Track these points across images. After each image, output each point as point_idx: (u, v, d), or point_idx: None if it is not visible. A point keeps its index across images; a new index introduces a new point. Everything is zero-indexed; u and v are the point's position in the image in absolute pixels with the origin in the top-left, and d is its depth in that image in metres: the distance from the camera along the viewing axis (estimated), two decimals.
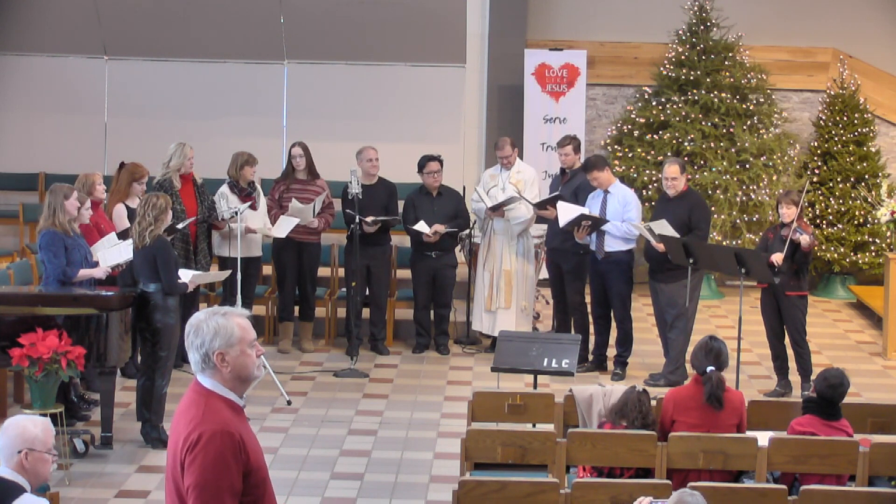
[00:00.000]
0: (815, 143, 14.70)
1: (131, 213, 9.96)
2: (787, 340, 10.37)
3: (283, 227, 11.10)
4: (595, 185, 10.84)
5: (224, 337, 4.10)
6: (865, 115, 14.54)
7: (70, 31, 13.90)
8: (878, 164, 14.52)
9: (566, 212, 10.77)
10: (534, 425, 7.78)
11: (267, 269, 12.35)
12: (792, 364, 10.37)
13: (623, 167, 13.93)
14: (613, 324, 11.01)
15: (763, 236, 10.68)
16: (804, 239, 9.99)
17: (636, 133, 14.26)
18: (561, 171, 11.45)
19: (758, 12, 14.69)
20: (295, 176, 11.41)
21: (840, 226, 14.32)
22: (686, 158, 13.60)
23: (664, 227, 10.31)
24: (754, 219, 14.09)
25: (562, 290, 11.30)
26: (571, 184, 11.16)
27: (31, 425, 4.92)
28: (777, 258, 10.00)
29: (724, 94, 14.02)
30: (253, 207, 10.95)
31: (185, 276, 9.03)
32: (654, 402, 7.37)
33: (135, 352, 9.31)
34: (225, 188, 11.06)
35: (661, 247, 10.34)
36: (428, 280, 11.56)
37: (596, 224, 10.72)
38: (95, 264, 9.14)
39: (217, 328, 4.10)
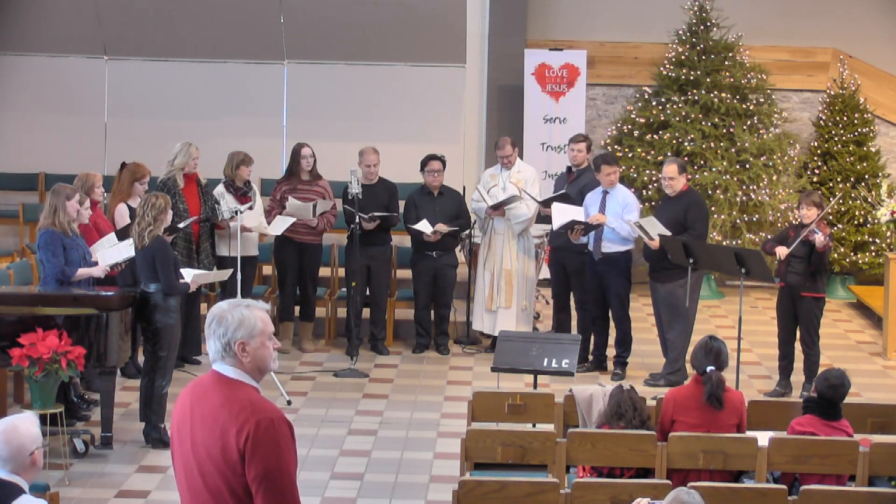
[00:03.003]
0: (815, 143, 14.70)
1: (133, 213, 9.96)
2: (797, 343, 10.36)
3: (279, 226, 11.10)
4: (609, 182, 10.76)
5: (247, 328, 4.20)
6: (865, 115, 14.53)
7: (70, 31, 13.89)
8: (878, 164, 14.51)
9: (560, 214, 10.75)
10: (534, 425, 7.78)
11: (267, 269, 12.35)
12: (797, 365, 10.36)
13: (623, 167, 13.91)
14: (612, 323, 11.01)
15: (783, 231, 10.68)
16: (818, 238, 9.97)
17: (636, 133, 14.25)
18: (567, 169, 11.42)
19: (758, 12, 14.69)
20: (299, 176, 11.40)
21: (840, 226, 14.32)
22: (686, 158, 13.59)
23: (654, 225, 10.31)
24: (754, 219, 14.08)
25: (563, 289, 11.29)
26: (578, 182, 11.14)
27: (30, 424, 4.93)
28: (781, 251, 10.03)
29: (724, 94, 14.01)
30: (251, 208, 10.95)
31: (188, 275, 9.04)
32: (653, 402, 7.37)
33: (135, 352, 9.30)
34: (221, 188, 11.05)
35: (654, 243, 10.32)
36: (428, 280, 11.55)
37: (589, 227, 10.70)
38: (94, 264, 9.14)
39: (241, 319, 4.19)
